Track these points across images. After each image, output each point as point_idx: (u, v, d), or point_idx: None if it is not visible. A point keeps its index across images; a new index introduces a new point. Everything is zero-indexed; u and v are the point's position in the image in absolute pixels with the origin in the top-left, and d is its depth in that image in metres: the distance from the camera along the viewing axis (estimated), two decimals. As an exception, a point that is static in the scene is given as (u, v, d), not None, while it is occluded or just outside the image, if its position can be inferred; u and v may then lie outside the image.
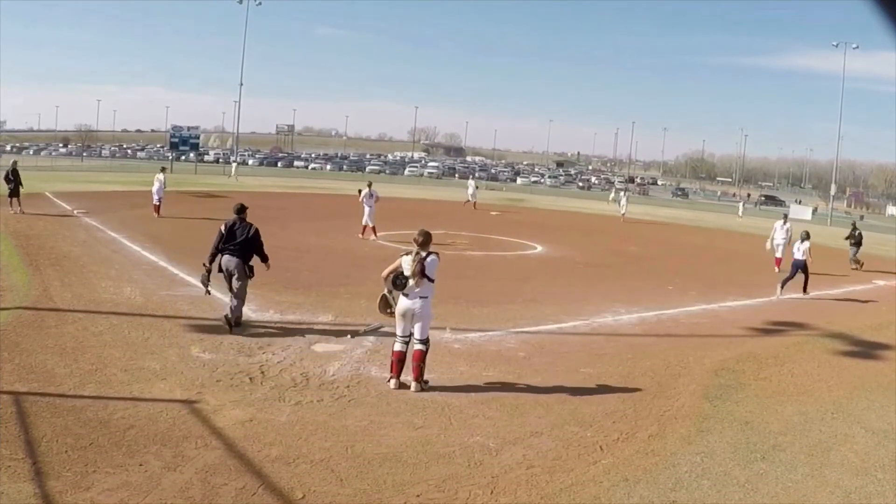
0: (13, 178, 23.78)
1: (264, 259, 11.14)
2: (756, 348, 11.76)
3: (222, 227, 10.93)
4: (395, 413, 7.68)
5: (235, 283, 10.71)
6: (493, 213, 37.82)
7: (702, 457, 6.99)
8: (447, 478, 6.17)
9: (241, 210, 11.13)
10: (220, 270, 10.82)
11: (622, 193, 47.50)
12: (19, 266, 14.50)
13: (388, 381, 8.58)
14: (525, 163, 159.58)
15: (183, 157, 77.05)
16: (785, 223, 22.55)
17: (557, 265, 20.81)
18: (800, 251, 17.74)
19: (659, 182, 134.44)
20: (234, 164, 66.63)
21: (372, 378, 8.78)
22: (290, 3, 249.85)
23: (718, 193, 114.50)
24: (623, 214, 41.02)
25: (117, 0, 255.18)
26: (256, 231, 10.95)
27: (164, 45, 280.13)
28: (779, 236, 22.32)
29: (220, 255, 10.80)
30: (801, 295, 17.75)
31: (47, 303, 11.60)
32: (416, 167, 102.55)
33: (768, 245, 22.58)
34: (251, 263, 10.90)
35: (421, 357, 8.49)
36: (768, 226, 25.89)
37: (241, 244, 10.82)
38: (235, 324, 10.64)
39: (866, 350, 12.22)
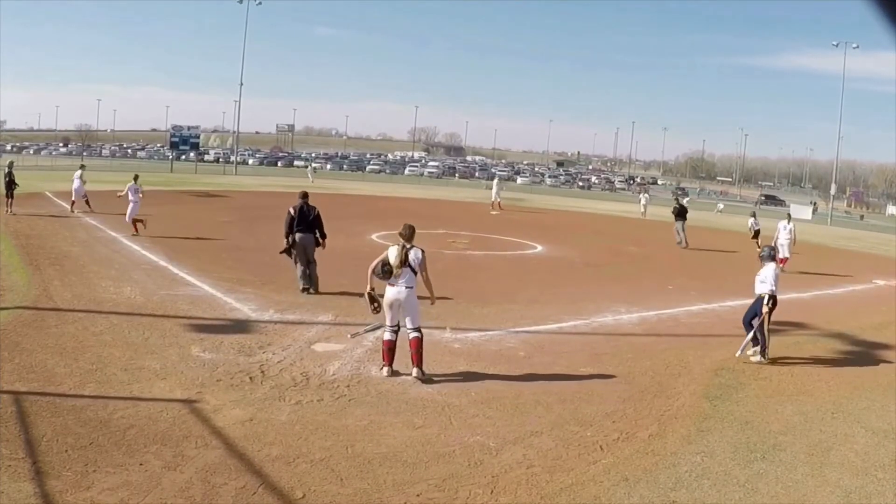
0: (11, 178, 23.69)
1: (324, 236, 13.83)
2: (756, 348, 11.75)
3: (292, 211, 13.64)
4: (395, 412, 7.69)
5: (311, 254, 13.52)
6: (493, 212, 37.79)
7: (702, 456, 7.00)
8: (447, 477, 6.18)
9: (306, 196, 14.00)
10: (291, 246, 13.47)
11: (642, 195, 48.97)
12: (19, 266, 14.50)
13: (381, 368, 8.92)
14: (525, 162, 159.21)
15: (183, 157, 77.02)
16: (788, 223, 22.58)
17: (557, 265, 20.81)
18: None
19: (659, 182, 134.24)
20: (309, 168, 65.63)
21: (372, 378, 8.78)
22: (290, 3, 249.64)
23: (698, 190, 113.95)
24: (643, 213, 43.39)
25: (117, 0, 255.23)
26: (319, 212, 13.81)
27: (164, 45, 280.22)
28: (783, 236, 22.32)
29: (294, 234, 13.47)
30: (801, 294, 17.77)
31: (47, 302, 11.59)
32: (417, 167, 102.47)
33: (773, 245, 22.55)
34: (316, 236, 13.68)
35: (418, 344, 8.86)
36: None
37: (311, 223, 13.63)
38: (315, 290, 13.42)
39: (866, 350, 12.23)
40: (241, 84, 74.16)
